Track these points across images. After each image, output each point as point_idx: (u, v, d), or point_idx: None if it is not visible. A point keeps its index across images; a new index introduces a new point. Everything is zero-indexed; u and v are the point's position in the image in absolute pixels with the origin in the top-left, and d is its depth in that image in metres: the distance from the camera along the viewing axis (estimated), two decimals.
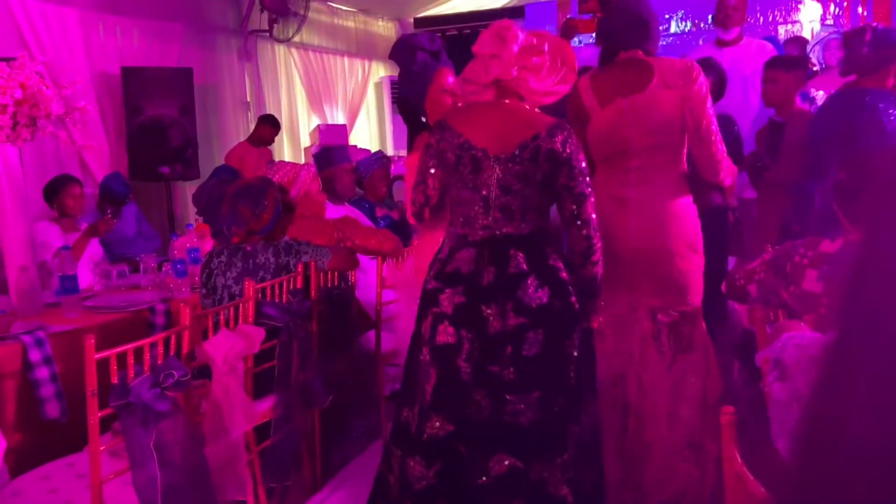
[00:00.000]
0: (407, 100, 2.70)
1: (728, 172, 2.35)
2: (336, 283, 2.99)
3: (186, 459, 1.92)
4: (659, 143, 2.24)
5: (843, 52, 3.00)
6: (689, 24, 6.95)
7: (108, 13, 5.30)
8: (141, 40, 5.56)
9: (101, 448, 1.82)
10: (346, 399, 3.10)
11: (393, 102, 8.12)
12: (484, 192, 1.88)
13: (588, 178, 1.90)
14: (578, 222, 1.89)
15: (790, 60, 3.54)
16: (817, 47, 5.14)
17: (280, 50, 7.21)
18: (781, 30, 6.63)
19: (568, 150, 1.84)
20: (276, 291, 2.56)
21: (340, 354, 3.07)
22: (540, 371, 1.83)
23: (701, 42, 5.56)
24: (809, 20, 6.59)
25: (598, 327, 2.04)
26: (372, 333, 3.21)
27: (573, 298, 1.88)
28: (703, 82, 2.23)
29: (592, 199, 1.90)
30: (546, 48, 1.92)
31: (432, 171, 1.99)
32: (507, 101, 1.94)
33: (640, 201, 2.24)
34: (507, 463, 1.81)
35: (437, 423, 1.85)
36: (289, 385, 2.49)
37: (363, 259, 3.18)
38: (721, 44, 4.42)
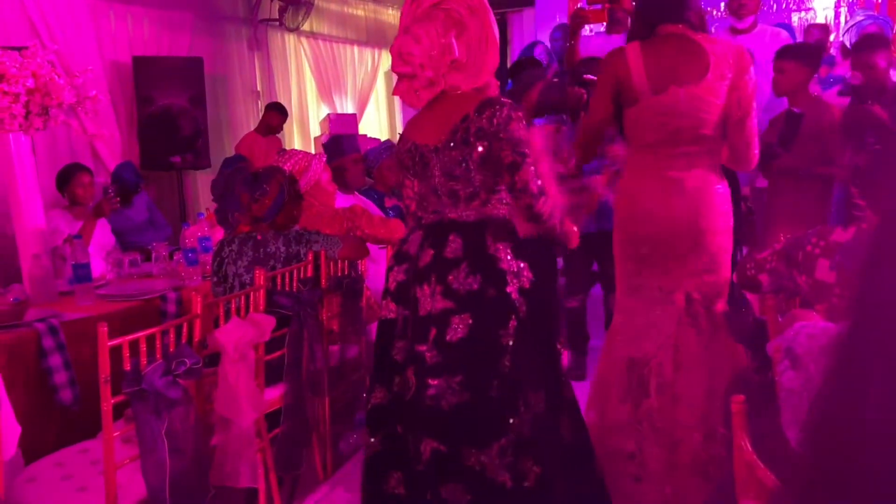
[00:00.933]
0: None
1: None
2: (346, 273, 2.99)
3: (196, 447, 1.93)
4: (709, 135, 2.22)
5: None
6: None
7: (119, 2, 5.31)
8: (151, 29, 5.57)
9: (115, 434, 1.84)
10: (355, 388, 3.11)
11: None
12: (432, 182, 1.94)
13: (524, 148, 1.87)
14: (515, 192, 1.89)
15: (800, 49, 3.49)
16: (853, 29, 5.03)
17: (290, 39, 7.20)
18: (795, 17, 6.55)
19: (496, 123, 1.85)
20: (287, 280, 2.57)
21: (350, 343, 3.08)
22: (464, 357, 1.84)
23: (713, 30, 5.49)
24: (823, 7, 6.51)
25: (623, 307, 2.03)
26: None
27: (510, 289, 1.87)
28: (753, 74, 2.19)
29: (529, 168, 1.87)
30: (453, 40, 1.91)
31: (405, 182, 2.05)
32: (449, 94, 1.96)
33: (688, 182, 2.23)
34: (430, 447, 1.84)
35: (380, 394, 1.96)
36: (299, 373, 2.50)
37: (373, 248, 3.18)
38: (735, 32, 4.37)
